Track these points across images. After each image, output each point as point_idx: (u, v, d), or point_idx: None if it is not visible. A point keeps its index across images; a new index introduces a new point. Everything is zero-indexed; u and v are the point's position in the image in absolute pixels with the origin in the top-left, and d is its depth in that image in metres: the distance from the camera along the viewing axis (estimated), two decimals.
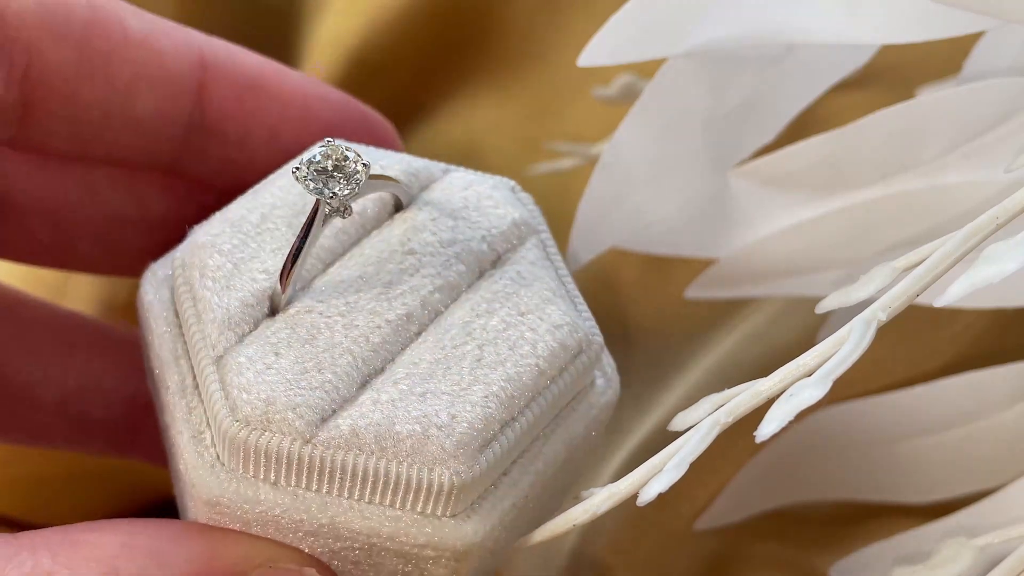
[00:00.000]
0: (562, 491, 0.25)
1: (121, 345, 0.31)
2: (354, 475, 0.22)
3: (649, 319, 0.35)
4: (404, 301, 0.23)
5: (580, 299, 0.25)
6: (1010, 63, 0.27)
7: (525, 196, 0.26)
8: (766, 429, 0.20)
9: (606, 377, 0.25)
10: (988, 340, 0.32)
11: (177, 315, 0.24)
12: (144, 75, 0.26)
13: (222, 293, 0.23)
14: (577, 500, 0.23)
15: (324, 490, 0.22)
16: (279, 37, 0.39)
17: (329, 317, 0.23)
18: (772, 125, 0.30)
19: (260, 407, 0.22)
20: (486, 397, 0.22)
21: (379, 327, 0.23)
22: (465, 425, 0.22)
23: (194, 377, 0.23)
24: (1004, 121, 0.26)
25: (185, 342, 0.23)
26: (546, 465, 0.23)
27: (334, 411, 0.22)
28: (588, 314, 0.24)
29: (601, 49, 0.27)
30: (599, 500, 0.22)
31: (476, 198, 0.25)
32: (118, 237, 0.29)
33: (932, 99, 0.27)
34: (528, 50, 0.39)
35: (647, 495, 0.21)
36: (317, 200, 0.23)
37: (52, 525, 0.22)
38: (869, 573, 0.29)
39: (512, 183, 0.26)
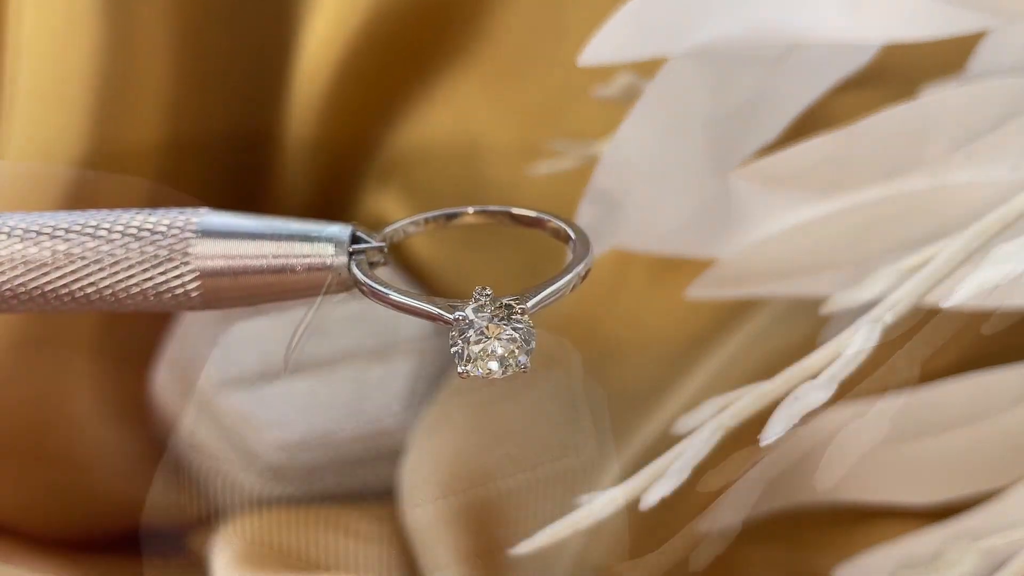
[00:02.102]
0: None
1: None
2: None
3: (651, 320, 0.35)
4: None
5: None
6: (1014, 62, 0.27)
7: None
8: (771, 432, 0.20)
9: None
10: (990, 340, 0.32)
11: None
12: None
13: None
14: (577, 507, 0.22)
15: None
16: (276, 36, 0.39)
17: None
18: (774, 125, 0.29)
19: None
20: None
21: None
22: None
23: None
24: (1008, 120, 0.26)
25: None
26: None
27: None
28: None
29: (602, 48, 0.27)
30: (600, 505, 0.22)
31: None
32: None
33: (935, 99, 0.27)
34: (528, 50, 0.38)
35: (649, 500, 0.21)
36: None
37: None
38: None
39: None
